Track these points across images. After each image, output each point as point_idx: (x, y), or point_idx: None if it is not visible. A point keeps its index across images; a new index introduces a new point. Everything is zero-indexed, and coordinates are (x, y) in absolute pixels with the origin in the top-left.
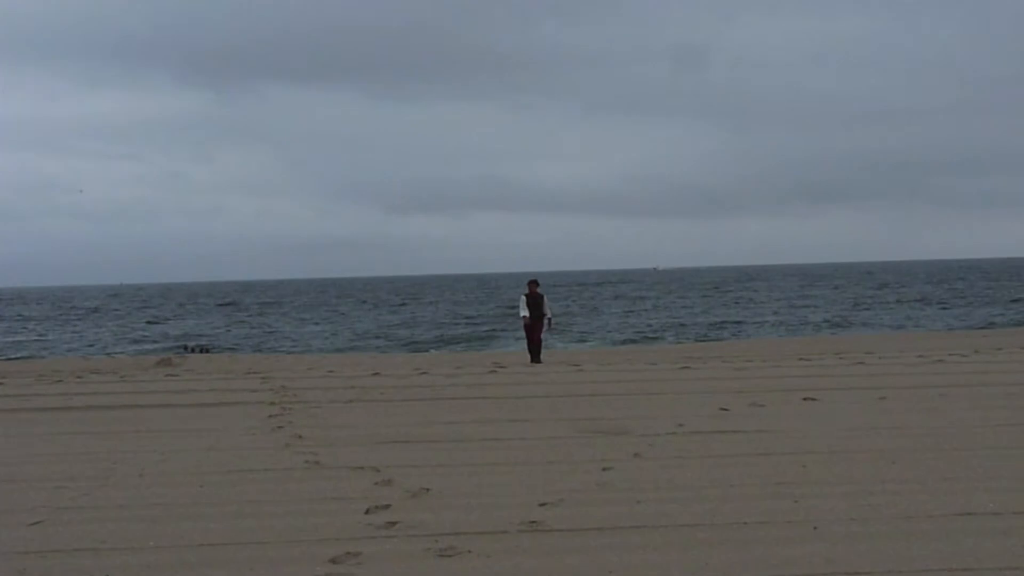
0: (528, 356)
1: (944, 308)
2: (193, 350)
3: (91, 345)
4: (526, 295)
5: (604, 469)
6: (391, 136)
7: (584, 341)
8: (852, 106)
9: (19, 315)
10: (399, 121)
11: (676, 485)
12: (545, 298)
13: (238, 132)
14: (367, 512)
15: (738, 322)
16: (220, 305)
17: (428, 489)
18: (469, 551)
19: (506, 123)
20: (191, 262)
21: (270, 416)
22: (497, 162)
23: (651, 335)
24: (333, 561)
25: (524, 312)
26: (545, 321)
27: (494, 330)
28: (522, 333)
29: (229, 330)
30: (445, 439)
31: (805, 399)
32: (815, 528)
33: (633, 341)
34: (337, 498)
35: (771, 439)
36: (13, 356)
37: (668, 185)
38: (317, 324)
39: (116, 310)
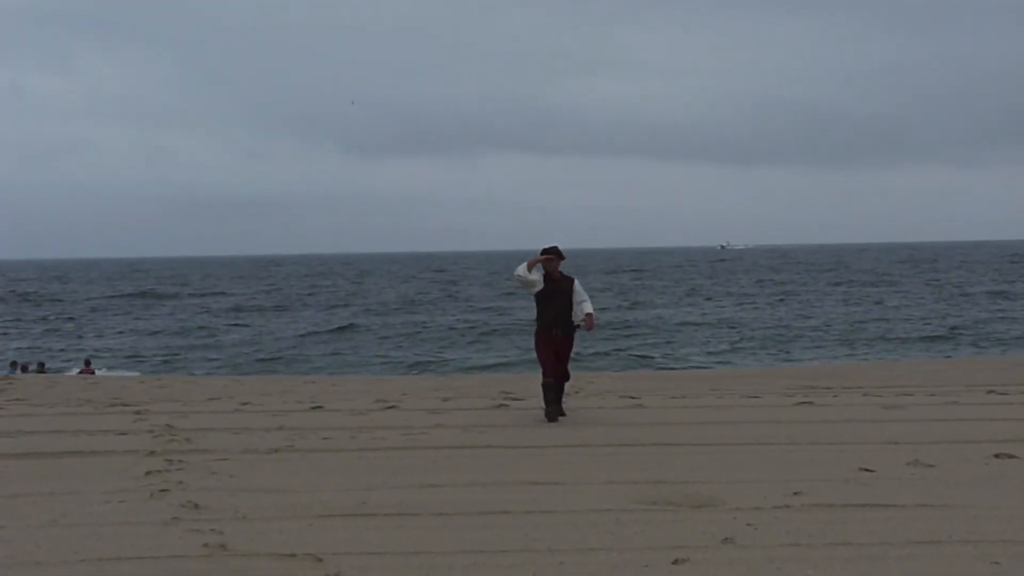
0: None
1: None
2: (26, 368)
3: None
4: (536, 270)
5: (675, 563)
6: (354, 36)
7: (644, 359)
8: None
9: None
10: (368, 10)
11: None
12: (577, 285)
13: (113, 25)
14: None
15: (885, 336)
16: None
17: None
18: None
19: (544, 11)
20: (25, 227)
21: (148, 473)
22: (524, 77)
23: (746, 351)
24: None
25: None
26: (576, 328)
27: (502, 335)
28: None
29: (82, 338)
30: (424, 512)
31: (998, 456)
32: None
33: (719, 360)
34: None
35: (943, 519)
36: None
37: (787, 115)
38: (225, 327)
39: None
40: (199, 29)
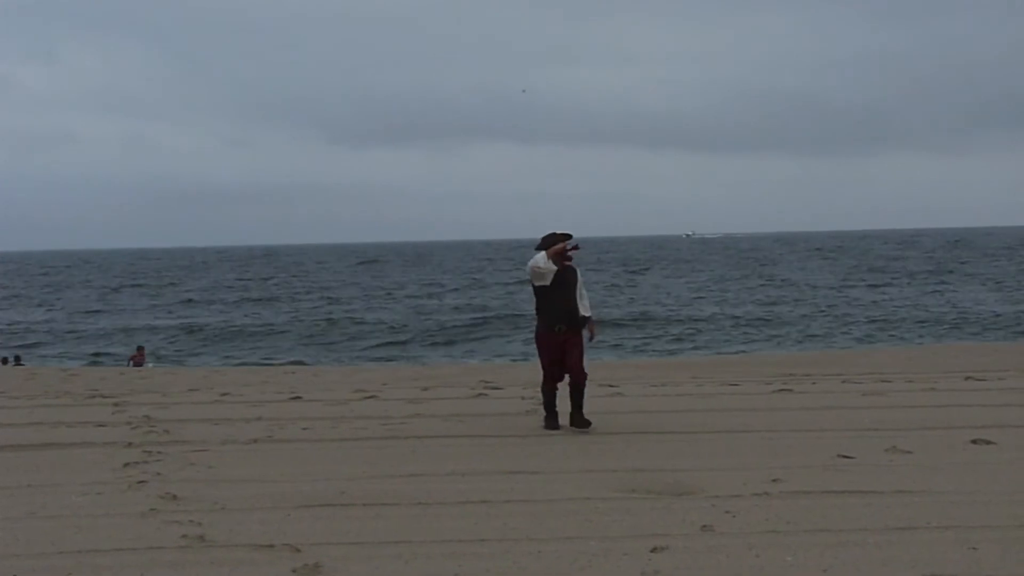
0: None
1: None
2: (4, 360)
3: None
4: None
5: (654, 551)
6: (340, 25)
7: (624, 345)
8: None
9: None
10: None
11: None
12: (580, 278)
13: (95, 17)
14: None
15: (873, 319)
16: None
17: None
18: None
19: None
20: (16, 218)
21: (126, 465)
22: (509, 66)
23: (725, 338)
24: None
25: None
26: (584, 331)
27: (483, 321)
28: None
29: (66, 325)
30: (404, 501)
31: (975, 442)
32: None
33: (699, 347)
34: None
35: (921, 505)
36: None
37: (768, 102)
38: (205, 315)
39: None
40: (183, 19)
